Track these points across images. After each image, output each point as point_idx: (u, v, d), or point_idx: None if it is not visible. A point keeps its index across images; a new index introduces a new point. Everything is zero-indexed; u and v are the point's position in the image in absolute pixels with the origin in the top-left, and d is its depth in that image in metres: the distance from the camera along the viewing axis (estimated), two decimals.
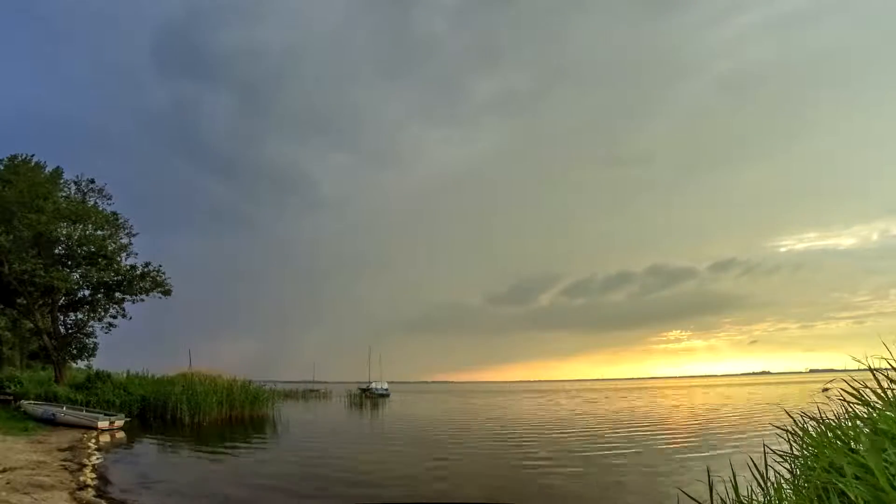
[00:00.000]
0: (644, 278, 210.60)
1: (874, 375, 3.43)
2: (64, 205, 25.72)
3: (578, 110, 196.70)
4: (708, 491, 4.04)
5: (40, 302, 26.69)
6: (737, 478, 3.91)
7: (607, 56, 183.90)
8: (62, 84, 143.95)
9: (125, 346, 34.63)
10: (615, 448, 14.33)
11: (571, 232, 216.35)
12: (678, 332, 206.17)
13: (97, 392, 23.00)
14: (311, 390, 62.06)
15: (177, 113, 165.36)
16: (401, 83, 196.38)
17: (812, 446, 3.56)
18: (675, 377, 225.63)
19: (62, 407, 20.00)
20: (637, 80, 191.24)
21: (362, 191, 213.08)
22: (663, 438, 16.30)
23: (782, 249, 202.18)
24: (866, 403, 3.42)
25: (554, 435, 17.95)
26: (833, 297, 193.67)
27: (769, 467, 3.77)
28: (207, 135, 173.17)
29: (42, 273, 23.20)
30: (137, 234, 28.79)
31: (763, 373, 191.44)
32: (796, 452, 3.79)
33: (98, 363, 32.40)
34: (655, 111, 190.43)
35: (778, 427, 4.28)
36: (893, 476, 2.47)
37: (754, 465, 3.77)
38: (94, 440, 15.88)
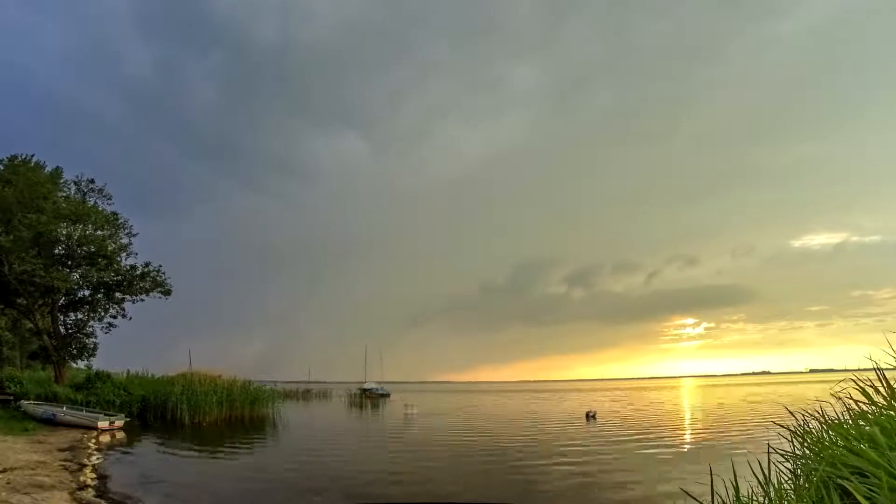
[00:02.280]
0: (655, 268, 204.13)
1: (878, 375, 3.41)
2: (64, 205, 25.69)
3: (602, 104, 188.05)
4: (710, 490, 4.03)
5: (40, 302, 26.66)
6: (738, 478, 3.89)
7: (647, 48, 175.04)
8: (42, 54, 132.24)
9: (125, 346, 34.59)
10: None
11: (577, 222, 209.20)
12: (689, 330, 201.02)
13: (97, 392, 22.98)
14: (311, 390, 62.08)
15: (163, 88, 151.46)
16: (408, 62, 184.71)
17: (815, 446, 3.54)
18: (674, 376, 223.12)
19: (62, 407, 19.99)
20: (678, 71, 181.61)
21: (366, 180, 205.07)
22: None
23: (810, 243, 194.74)
24: (871, 402, 3.40)
25: None
26: (855, 294, 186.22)
27: (772, 465, 3.75)
28: (196, 112, 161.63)
29: (42, 273, 23.16)
30: (137, 234, 28.79)
31: (763, 372, 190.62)
32: (798, 452, 3.77)
33: (98, 363, 32.38)
34: (691, 100, 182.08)
35: (781, 426, 4.26)
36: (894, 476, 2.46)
37: (759, 464, 3.75)
38: (94, 440, 15.87)
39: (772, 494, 3.58)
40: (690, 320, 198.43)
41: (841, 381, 3.89)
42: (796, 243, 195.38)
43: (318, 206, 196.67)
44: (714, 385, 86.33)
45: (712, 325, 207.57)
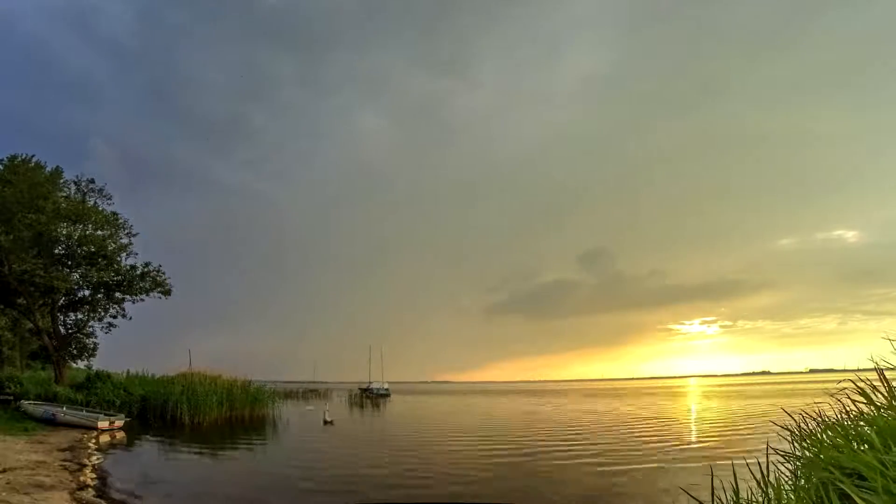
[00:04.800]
0: (670, 260, 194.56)
1: (881, 376, 3.40)
2: (64, 205, 25.70)
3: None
4: (710, 490, 4.03)
5: (40, 302, 26.68)
6: (737, 479, 3.90)
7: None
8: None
9: (125, 346, 34.62)
10: None
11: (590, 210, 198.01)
12: (705, 328, 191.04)
13: (97, 392, 23.00)
14: (312, 390, 62.21)
15: (153, 49, 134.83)
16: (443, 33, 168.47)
17: (813, 446, 3.53)
18: (669, 377, 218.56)
19: (62, 407, 19.99)
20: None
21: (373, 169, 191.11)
22: None
23: (836, 237, 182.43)
24: (870, 402, 3.40)
25: None
26: (879, 292, 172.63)
27: (772, 466, 3.76)
28: (192, 84, 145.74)
29: (42, 273, 23.18)
30: (138, 234, 28.80)
31: (763, 372, 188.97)
32: (798, 453, 3.77)
33: (98, 363, 32.47)
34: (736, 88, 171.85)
35: (781, 426, 4.25)
36: (893, 479, 2.45)
37: (759, 465, 3.76)
38: (94, 440, 15.87)
39: (771, 495, 3.59)
40: (697, 320, 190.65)
41: (841, 381, 3.88)
42: (822, 236, 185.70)
43: (321, 196, 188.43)
44: (723, 386, 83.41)
45: (728, 322, 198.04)
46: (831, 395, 3.92)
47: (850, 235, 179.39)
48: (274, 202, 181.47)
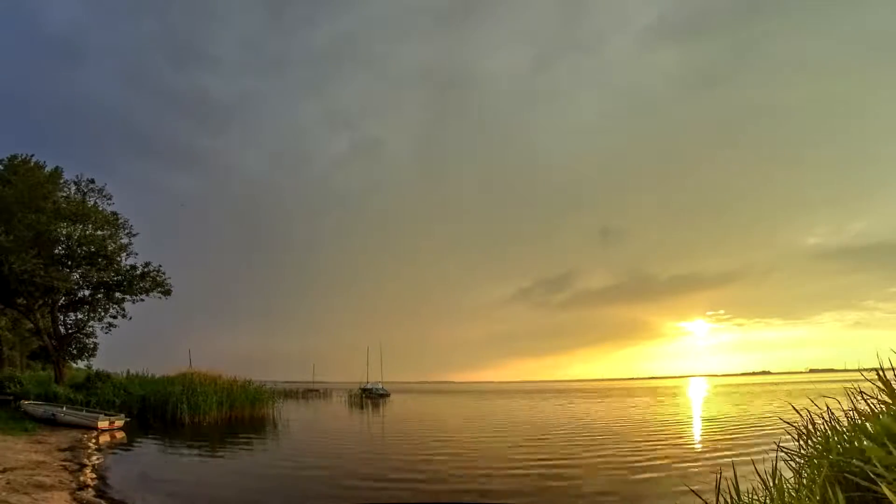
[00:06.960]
0: (686, 256, 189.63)
1: None
2: (64, 205, 25.70)
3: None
4: (714, 488, 4.02)
5: (40, 302, 26.65)
6: (738, 477, 3.88)
7: None
8: None
9: (125, 346, 34.57)
10: None
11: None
12: (716, 324, 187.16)
13: (97, 392, 22.99)
14: (311, 390, 62.31)
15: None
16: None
17: (819, 444, 3.52)
18: (666, 376, 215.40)
19: (62, 407, 19.96)
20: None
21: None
22: None
23: (856, 232, 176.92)
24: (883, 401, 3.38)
25: None
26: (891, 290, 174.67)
27: (779, 463, 3.74)
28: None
29: (42, 273, 23.15)
30: (138, 234, 28.77)
31: (763, 372, 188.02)
32: (804, 451, 3.75)
33: (98, 363, 32.43)
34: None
35: (788, 423, 4.23)
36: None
37: (771, 464, 3.75)
38: (94, 440, 15.84)
39: (774, 494, 3.58)
40: (709, 317, 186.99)
41: (844, 381, 3.86)
42: (847, 230, 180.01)
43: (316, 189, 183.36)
44: (743, 386, 79.29)
45: (743, 320, 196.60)
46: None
47: (876, 231, 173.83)
48: (276, 193, 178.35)
